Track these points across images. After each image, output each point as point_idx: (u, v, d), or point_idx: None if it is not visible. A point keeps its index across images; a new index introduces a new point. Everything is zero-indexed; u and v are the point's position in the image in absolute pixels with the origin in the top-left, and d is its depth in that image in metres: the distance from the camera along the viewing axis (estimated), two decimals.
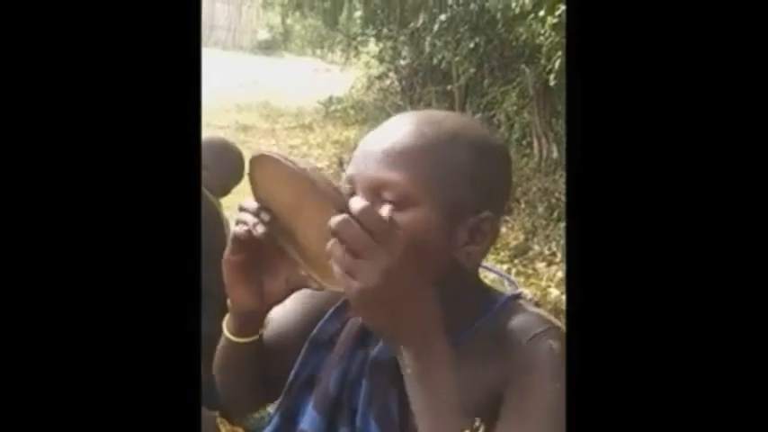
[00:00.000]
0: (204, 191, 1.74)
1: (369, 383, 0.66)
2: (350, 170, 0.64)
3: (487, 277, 0.81)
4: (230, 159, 1.89)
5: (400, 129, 0.64)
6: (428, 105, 6.13)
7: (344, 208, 0.54)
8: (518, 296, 0.69)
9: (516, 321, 0.65)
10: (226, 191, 1.94)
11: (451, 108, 5.90)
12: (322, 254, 0.60)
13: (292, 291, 0.66)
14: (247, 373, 0.73)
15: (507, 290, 0.70)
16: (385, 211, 0.60)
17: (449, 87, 5.52)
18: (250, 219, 0.62)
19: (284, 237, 0.63)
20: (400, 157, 0.61)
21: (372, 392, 0.66)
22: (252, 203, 0.63)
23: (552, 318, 0.68)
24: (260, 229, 0.61)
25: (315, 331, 0.72)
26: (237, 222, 0.63)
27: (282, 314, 0.79)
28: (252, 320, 0.69)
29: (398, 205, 0.60)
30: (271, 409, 0.76)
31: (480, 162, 0.63)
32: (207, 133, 2.05)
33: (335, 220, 0.53)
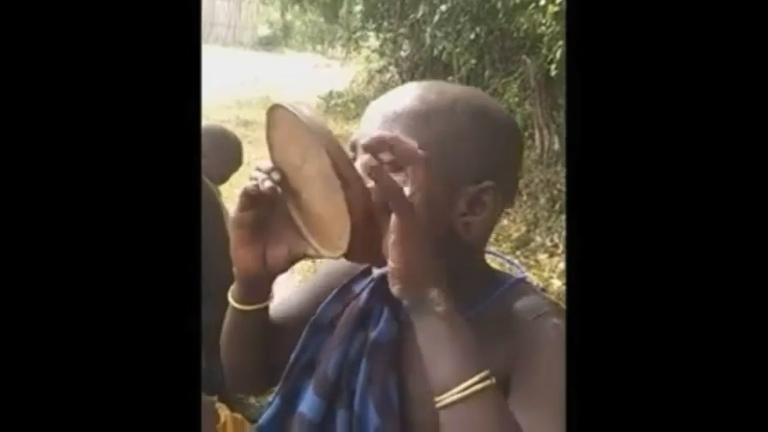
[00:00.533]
0: (204, 178, 1.74)
1: (368, 365, 0.66)
2: (354, 136, 0.65)
3: (495, 261, 0.81)
4: (228, 147, 1.89)
5: (403, 95, 0.64)
6: None
7: (335, 150, 0.54)
8: (524, 279, 0.69)
9: (522, 302, 0.65)
10: (224, 178, 1.94)
11: None
12: (322, 217, 0.60)
13: (294, 261, 0.66)
14: (252, 345, 0.72)
15: (516, 273, 0.70)
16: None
17: (449, 79, 5.50)
18: (260, 176, 0.62)
19: (290, 198, 0.64)
20: (399, 120, 0.61)
21: (372, 374, 0.66)
22: (267, 164, 0.63)
23: (557, 300, 0.68)
24: (267, 184, 0.61)
25: (316, 314, 0.72)
26: (250, 179, 0.63)
27: (288, 298, 0.80)
28: (255, 287, 0.69)
29: (397, 166, 0.60)
30: (270, 397, 0.75)
31: (482, 131, 0.63)
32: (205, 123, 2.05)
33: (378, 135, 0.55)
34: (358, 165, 0.61)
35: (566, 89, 0.53)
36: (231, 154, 1.90)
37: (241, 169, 2.01)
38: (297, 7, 8.15)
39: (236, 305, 0.69)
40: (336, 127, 6.75)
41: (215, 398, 1.54)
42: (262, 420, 0.72)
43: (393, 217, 0.54)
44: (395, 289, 0.56)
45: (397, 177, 0.59)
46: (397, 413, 0.64)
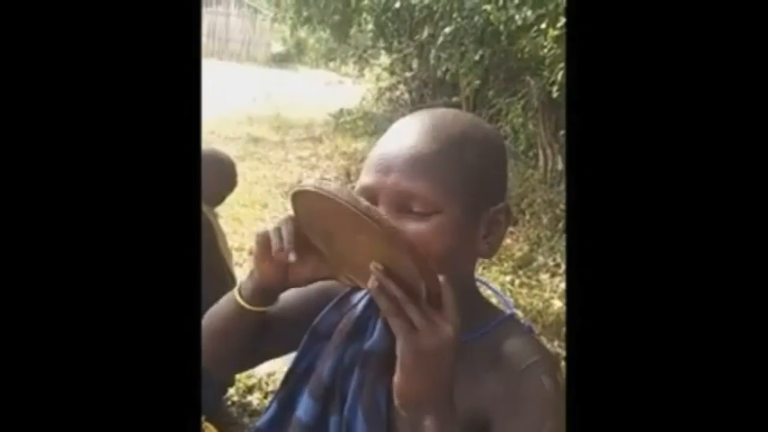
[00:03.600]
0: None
1: (360, 372, 0.68)
2: (367, 179, 0.64)
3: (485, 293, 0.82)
4: (221, 169, 1.93)
5: (413, 135, 0.64)
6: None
7: (389, 228, 0.54)
8: (512, 316, 0.70)
9: (511, 345, 0.65)
10: (220, 200, 1.98)
11: None
12: (350, 257, 0.61)
13: (315, 280, 0.68)
14: (245, 340, 0.73)
15: (505, 309, 0.71)
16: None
17: (454, 99, 5.55)
18: (285, 246, 0.63)
19: (322, 243, 0.64)
20: (421, 166, 0.62)
21: (363, 381, 0.67)
22: (289, 230, 0.64)
23: (545, 346, 0.69)
24: (291, 257, 0.62)
25: (315, 322, 0.74)
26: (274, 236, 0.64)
27: (291, 295, 0.79)
28: (269, 294, 0.70)
29: (426, 214, 0.62)
30: (268, 402, 0.77)
31: (488, 157, 0.66)
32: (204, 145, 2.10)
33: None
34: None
35: (566, 109, 0.54)
36: (225, 176, 1.94)
37: (247, 187, 2.05)
38: (307, 26, 8.25)
39: (243, 303, 0.70)
40: (344, 144, 6.81)
41: (202, 418, 1.57)
42: (259, 424, 0.74)
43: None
44: (396, 401, 0.57)
45: (422, 225, 0.61)
46: (384, 421, 0.66)
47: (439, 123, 0.65)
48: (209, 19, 16.78)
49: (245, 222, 4.18)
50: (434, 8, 4.85)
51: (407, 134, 0.64)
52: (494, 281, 3.65)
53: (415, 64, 6.57)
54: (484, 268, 3.81)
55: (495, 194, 0.66)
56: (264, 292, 0.70)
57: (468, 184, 0.63)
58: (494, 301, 0.76)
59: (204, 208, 1.82)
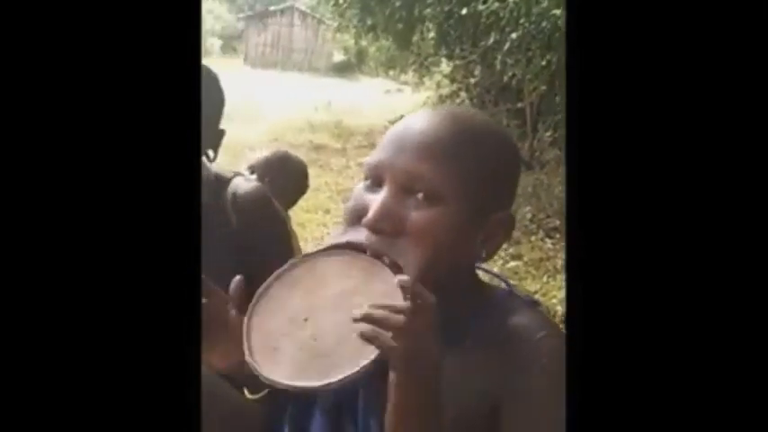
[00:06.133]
0: (275, 203, 1.80)
1: (365, 394, 0.66)
2: (377, 157, 0.64)
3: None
4: (292, 172, 1.97)
5: (433, 123, 0.64)
6: (499, 124, 6.08)
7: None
8: (511, 292, 0.69)
9: (518, 319, 0.65)
10: (292, 203, 2.01)
11: (523, 126, 5.85)
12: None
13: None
14: None
15: (502, 285, 0.71)
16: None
17: (519, 105, 5.47)
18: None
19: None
20: (434, 151, 0.62)
21: (369, 403, 0.65)
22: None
23: (550, 319, 0.69)
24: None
25: None
26: None
27: None
28: None
29: (429, 201, 0.61)
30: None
31: (502, 161, 0.65)
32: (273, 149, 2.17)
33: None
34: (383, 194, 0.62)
35: (565, 109, 0.55)
36: (296, 179, 1.97)
37: (310, 193, 2.09)
38: (371, 34, 8.34)
39: None
40: None
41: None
42: None
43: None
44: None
45: (423, 212, 0.61)
46: None
47: (460, 117, 0.66)
48: (274, 30, 17.28)
49: (308, 228, 4.26)
50: (501, 14, 4.80)
51: (428, 120, 0.64)
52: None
53: (477, 71, 6.53)
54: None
55: (502, 201, 0.66)
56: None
57: (476, 181, 0.62)
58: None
59: (280, 210, 1.84)
